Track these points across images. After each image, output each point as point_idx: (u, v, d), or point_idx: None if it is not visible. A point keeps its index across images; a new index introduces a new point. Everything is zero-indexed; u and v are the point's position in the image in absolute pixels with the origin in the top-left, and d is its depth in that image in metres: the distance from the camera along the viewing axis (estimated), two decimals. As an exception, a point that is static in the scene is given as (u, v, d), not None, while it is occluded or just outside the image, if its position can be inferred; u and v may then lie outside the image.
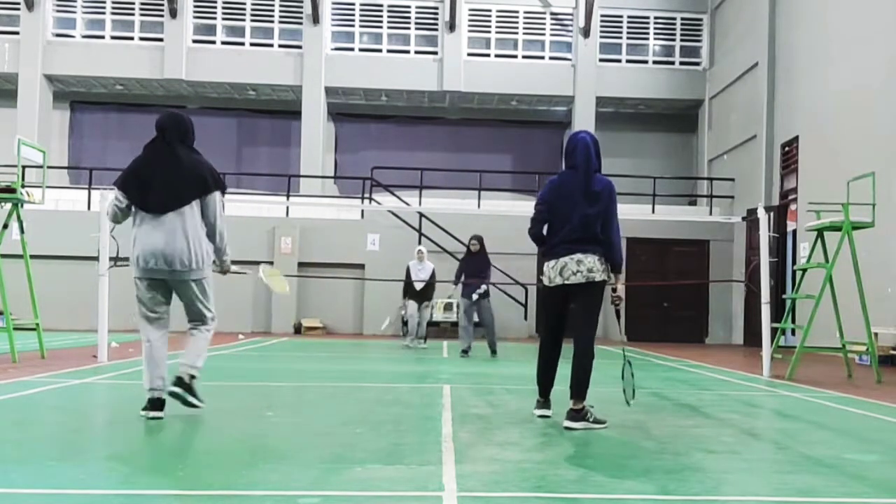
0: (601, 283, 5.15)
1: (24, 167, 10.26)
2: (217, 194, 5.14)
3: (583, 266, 5.09)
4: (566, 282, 5.13)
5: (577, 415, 4.98)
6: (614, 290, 5.34)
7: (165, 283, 5.09)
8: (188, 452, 4.17)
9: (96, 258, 9.25)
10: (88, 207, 17.99)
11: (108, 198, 9.20)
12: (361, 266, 18.60)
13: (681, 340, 18.64)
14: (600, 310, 5.27)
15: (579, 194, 5.15)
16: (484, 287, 11.69)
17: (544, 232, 5.32)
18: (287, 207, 18.56)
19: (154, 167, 5.06)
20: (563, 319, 5.34)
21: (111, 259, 9.09)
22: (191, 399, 5.07)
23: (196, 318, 5.21)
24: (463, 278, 11.87)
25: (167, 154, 5.08)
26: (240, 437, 4.77)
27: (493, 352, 11.79)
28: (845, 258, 9.20)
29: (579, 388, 5.01)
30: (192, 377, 5.09)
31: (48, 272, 15.53)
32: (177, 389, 5.02)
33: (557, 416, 5.24)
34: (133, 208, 5.10)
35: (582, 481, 3.56)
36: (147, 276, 5.03)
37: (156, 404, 5.01)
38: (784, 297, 13.73)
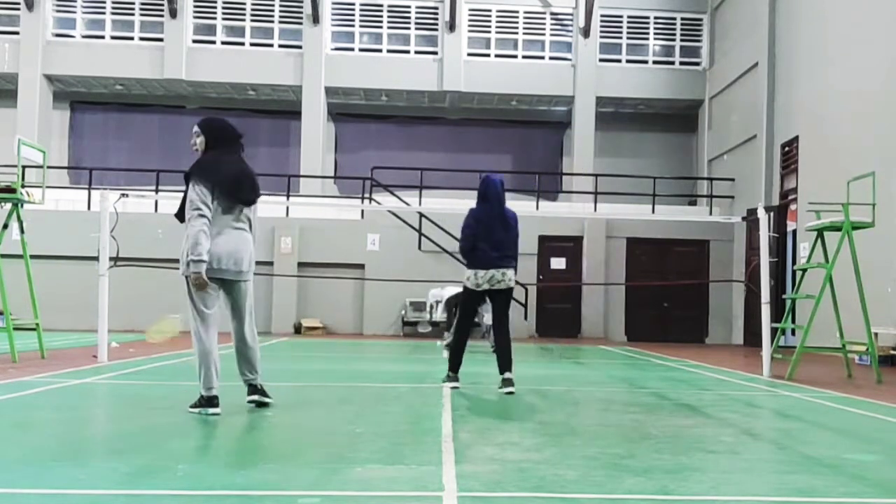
0: (513, 288, 7.27)
1: (24, 167, 10.25)
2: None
3: (507, 276, 7.13)
4: (493, 287, 7.08)
5: (510, 382, 6.96)
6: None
7: (225, 285, 5.40)
8: (188, 452, 4.16)
9: (96, 258, 9.25)
10: (88, 207, 18.00)
11: (108, 197, 9.30)
12: (361, 266, 18.61)
13: (681, 340, 18.65)
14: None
15: (498, 223, 7.21)
16: None
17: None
18: (287, 207, 18.56)
19: (238, 166, 5.65)
20: (477, 312, 7.76)
21: (111, 259, 9.09)
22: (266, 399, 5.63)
23: (242, 320, 5.50)
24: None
25: (241, 157, 5.64)
26: (240, 437, 4.77)
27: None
28: (845, 258, 9.19)
29: (509, 361, 7.02)
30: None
31: (48, 272, 15.53)
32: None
33: (559, 419, 5.24)
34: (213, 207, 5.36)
35: (582, 481, 3.55)
36: (216, 276, 5.29)
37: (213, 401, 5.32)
38: (784, 297, 13.72)
